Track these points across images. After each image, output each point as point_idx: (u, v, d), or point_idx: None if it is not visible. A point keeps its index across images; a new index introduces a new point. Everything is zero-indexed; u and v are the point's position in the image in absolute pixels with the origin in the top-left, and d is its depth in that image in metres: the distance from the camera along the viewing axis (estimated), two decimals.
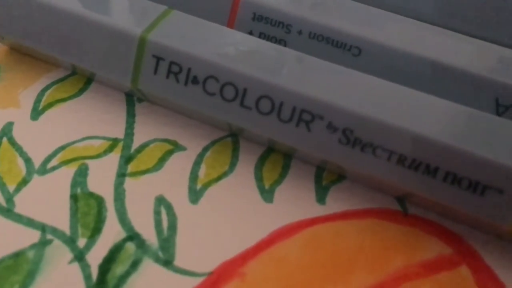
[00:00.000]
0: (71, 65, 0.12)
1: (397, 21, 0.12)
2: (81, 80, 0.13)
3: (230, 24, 0.12)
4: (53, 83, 0.12)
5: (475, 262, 0.10)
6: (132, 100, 0.12)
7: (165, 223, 0.10)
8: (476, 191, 0.09)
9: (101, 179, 0.11)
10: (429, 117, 0.10)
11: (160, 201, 0.10)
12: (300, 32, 0.12)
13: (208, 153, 0.11)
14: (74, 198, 0.10)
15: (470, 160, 0.09)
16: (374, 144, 0.10)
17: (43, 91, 0.12)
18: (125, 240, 0.10)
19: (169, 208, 0.10)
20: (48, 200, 0.10)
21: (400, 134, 0.09)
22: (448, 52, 0.11)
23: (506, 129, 0.09)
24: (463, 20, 0.12)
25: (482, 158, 0.09)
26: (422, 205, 0.11)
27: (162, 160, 0.11)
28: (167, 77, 0.11)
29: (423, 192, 0.10)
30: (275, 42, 0.12)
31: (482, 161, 0.09)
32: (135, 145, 0.11)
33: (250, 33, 0.12)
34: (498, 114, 0.11)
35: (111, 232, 0.10)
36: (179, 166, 0.11)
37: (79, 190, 0.10)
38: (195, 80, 0.11)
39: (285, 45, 0.12)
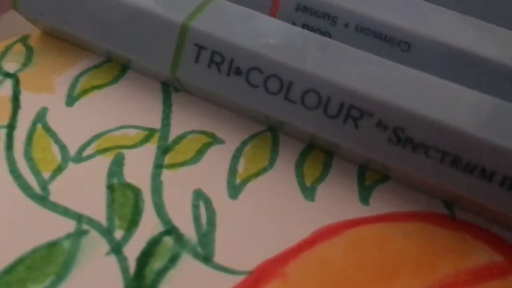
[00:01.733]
0: (106, 52, 0.12)
1: (447, 16, 0.11)
2: (116, 68, 0.12)
3: (273, 15, 0.12)
4: (88, 69, 0.12)
5: None
6: (169, 89, 0.12)
7: (203, 218, 0.10)
8: None
9: (137, 169, 0.10)
10: (487, 118, 0.09)
11: (199, 194, 0.10)
12: (346, 25, 0.11)
13: (247, 147, 0.11)
14: (110, 188, 0.10)
15: None
16: (426, 145, 0.09)
17: (78, 77, 0.12)
18: (162, 234, 0.09)
19: (208, 203, 0.10)
20: (84, 189, 0.10)
21: (455, 135, 0.09)
22: (500, 50, 0.11)
23: None
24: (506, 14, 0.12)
25: None
26: (471, 209, 0.10)
27: (200, 153, 0.11)
28: (209, 66, 0.10)
29: (478, 197, 0.09)
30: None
31: None
32: (172, 136, 0.11)
33: (293, 24, 0.12)
34: None
35: (149, 225, 0.10)
36: (217, 159, 0.11)
37: (115, 180, 0.10)
38: (238, 71, 0.10)
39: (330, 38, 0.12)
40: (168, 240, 0.09)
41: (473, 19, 0.11)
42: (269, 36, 0.10)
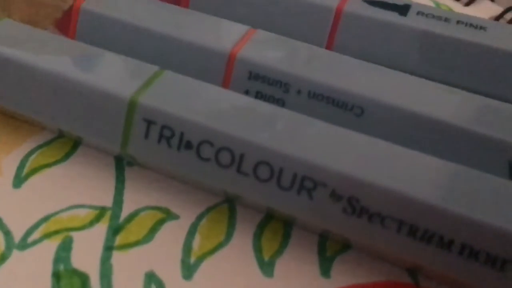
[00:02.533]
0: (57, 128, 0.12)
1: (400, 79, 0.11)
2: (68, 143, 0.12)
3: (226, 83, 0.12)
4: (38, 147, 0.12)
5: None
6: (122, 164, 0.12)
7: None
8: (495, 265, 0.09)
9: (86, 253, 0.10)
10: (443, 185, 0.09)
11: (150, 277, 0.10)
12: (299, 92, 0.11)
13: (203, 222, 0.11)
14: (56, 276, 0.09)
15: (488, 232, 0.08)
16: (382, 214, 0.09)
17: (27, 156, 0.12)
18: None
19: (160, 286, 0.09)
20: (28, 279, 0.09)
21: (411, 204, 0.09)
22: (455, 111, 0.11)
23: None
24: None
25: (501, 230, 0.08)
26: (435, 278, 0.10)
27: (153, 231, 0.10)
28: (159, 141, 0.10)
29: (437, 266, 0.09)
30: (272, 102, 0.12)
31: (501, 234, 0.08)
32: (124, 214, 0.11)
33: (247, 92, 0.12)
34: None
35: None
36: (171, 237, 0.10)
37: (62, 267, 0.10)
38: (188, 145, 0.10)
39: (283, 105, 0.11)
40: None
41: (428, 82, 0.12)
42: (220, 108, 0.10)
